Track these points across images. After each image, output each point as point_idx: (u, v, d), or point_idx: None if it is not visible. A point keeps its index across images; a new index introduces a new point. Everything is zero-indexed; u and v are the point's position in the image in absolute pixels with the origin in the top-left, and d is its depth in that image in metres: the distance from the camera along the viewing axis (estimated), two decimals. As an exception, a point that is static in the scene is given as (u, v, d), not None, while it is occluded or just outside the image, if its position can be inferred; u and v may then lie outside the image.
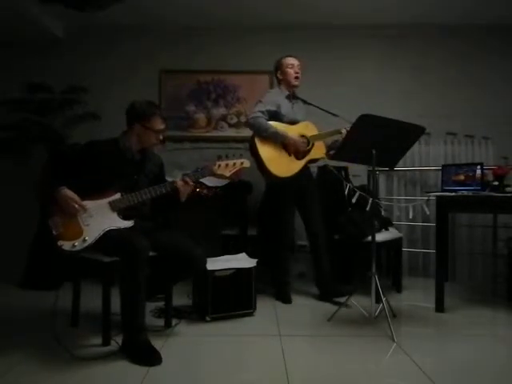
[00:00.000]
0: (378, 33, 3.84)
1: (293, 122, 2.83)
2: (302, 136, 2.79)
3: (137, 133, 2.18)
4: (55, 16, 3.63)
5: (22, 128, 3.44)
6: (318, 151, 2.85)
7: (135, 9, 3.51)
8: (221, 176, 2.23)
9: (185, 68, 3.91)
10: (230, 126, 3.93)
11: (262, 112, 2.76)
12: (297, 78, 2.84)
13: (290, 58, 2.87)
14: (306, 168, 2.86)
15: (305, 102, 2.97)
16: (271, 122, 2.76)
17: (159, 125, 2.19)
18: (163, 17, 3.73)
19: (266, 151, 2.71)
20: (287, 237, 2.95)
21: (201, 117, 3.93)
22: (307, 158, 2.81)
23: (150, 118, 2.16)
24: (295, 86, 2.87)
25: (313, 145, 2.82)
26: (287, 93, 2.87)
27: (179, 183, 2.14)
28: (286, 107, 2.84)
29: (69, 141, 3.48)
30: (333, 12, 3.64)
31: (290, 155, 2.76)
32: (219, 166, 2.20)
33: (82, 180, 2.06)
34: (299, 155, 2.79)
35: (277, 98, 2.83)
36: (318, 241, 2.89)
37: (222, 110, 3.93)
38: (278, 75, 2.91)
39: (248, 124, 2.77)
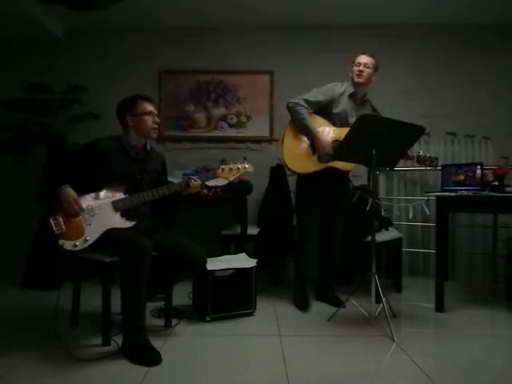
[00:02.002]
0: (378, 33, 3.84)
1: (343, 125, 2.65)
2: (337, 141, 2.55)
3: (132, 126, 2.17)
4: (55, 16, 3.63)
5: (22, 128, 3.44)
6: (346, 164, 2.62)
7: (135, 9, 3.50)
8: (224, 179, 2.24)
9: (185, 68, 3.91)
10: (230, 125, 3.93)
11: (308, 101, 2.64)
12: (358, 75, 2.66)
13: (359, 56, 2.71)
14: (337, 173, 2.68)
15: (374, 109, 2.83)
16: (315, 116, 2.66)
17: (147, 106, 2.19)
18: (163, 17, 3.72)
19: (290, 139, 2.68)
20: (311, 244, 2.78)
21: (201, 117, 3.93)
22: (330, 164, 2.61)
23: (134, 104, 2.18)
24: (356, 84, 2.69)
25: None
26: (352, 91, 2.71)
27: (190, 186, 2.16)
28: (342, 106, 2.69)
29: (69, 141, 3.48)
30: (333, 12, 3.64)
31: (313, 154, 2.64)
32: (223, 169, 2.22)
33: (86, 178, 2.06)
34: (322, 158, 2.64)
35: (335, 92, 2.70)
36: (330, 245, 2.82)
37: (222, 110, 3.93)
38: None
39: (287, 107, 2.70)
